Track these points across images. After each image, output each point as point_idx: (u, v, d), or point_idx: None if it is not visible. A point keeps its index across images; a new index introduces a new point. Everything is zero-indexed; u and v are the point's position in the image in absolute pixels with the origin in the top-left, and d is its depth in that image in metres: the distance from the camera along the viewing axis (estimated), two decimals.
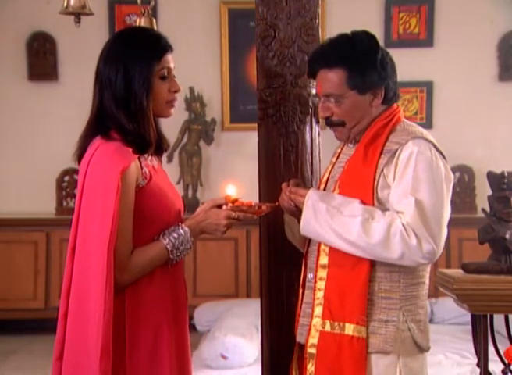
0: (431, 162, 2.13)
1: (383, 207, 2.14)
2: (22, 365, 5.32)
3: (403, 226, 2.06)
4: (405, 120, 2.26)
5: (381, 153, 2.16)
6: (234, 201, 2.22)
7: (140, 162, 2.14)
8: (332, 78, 2.20)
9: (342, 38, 2.23)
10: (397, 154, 2.14)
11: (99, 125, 2.16)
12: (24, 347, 5.79)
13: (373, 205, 2.13)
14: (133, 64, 2.14)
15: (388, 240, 2.07)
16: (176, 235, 2.16)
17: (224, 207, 2.23)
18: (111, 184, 2.03)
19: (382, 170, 2.14)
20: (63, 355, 2.10)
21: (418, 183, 2.10)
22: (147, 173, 2.15)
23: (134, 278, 2.12)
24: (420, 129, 2.22)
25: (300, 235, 2.33)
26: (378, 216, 2.09)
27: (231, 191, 2.25)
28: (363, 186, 2.15)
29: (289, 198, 2.24)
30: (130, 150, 2.11)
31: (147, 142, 2.16)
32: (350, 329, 2.13)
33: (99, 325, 2.00)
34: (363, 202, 2.13)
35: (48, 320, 6.10)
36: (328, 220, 2.12)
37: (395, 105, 2.27)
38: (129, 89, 2.13)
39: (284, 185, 2.29)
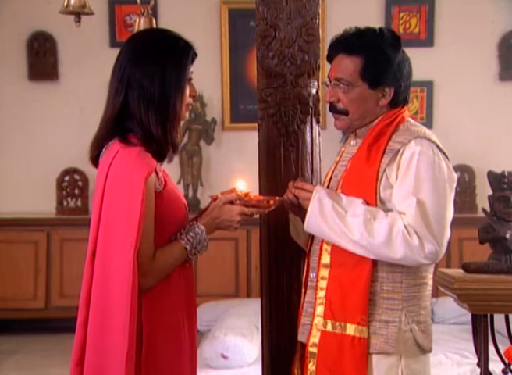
0: (433, 162, 2.12)
1: (386, 207, 2.14)
2: (22, 365, 5.32)
3: (405, 226, 2.06)
4: (410, 120, 2.25)
5: (383, 153, 2.16)
6: (245, 195, 2.22)
7: (155, 168, 2.13)
8: (348, 64, 2.21)
9: (368, 30, 2.25)
10: (399, 153, 2.14)
11: (118, 125, 2.13)
12: (24, 347, 5.79)
13: (376, 205, 2.13)
14: (171, 67, 2.13)
15: (390, 240, 2.07)
16: (192, 234, 2.15)
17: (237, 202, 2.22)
18: (136, 190, 2.02)
19: (385, 170, 2.14)
20: (83, 360, 2.08)
21: (420, 184, 2.10)
22: (162, 177, 2.16)
23: (156, 281, 2.11)
24: (423, 129, 2.21)
25: (304, 234, 2.33)
26: (380, 216, 2.09)
27: (241, 185, 2.25)
28: (366, 186, 2.15)
29: (295, 193, 2.23)
30: (150, 155, 2.10)
31: (169, 147, 2.16)
32: (351, 329, 2.13)
33: (125, 329, 1.99)
34: (366, 202, 2.13)
35: (49, 320, 6.14)
36: (334, 216, 2.12)
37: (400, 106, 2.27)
38: (165, 92, 2.12)
39: (290, 183, 2.28)
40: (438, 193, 2.11)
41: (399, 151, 2.15)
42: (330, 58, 2.29)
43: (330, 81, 2.26)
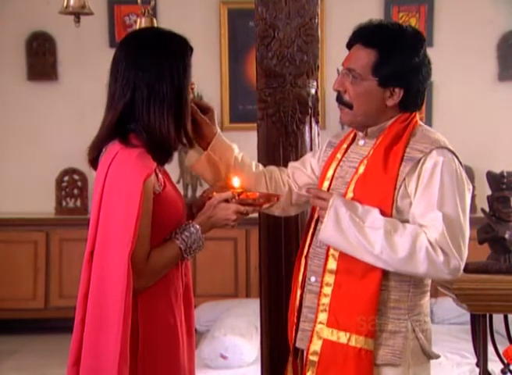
0: (456, 175, 2.07)
1: (402, 217, 2.07)
2: (22, 365, 5.32)
3: (430, 242, 2.00)
4: (422, 124, 2.19)
5: (401, 160, 2.08)
6: (240, 193, 2.20)
7: (155, 169, 2.13)
8: (362, 56, 2.12)
9: (393, 24, 2.18)
10: (420, 163, 2.07)
11: (120, 127, 2.12)
12: (24, 347, 5.79)
13: (391, 214, 2.05)
14: (176, 64, 2.14)
15: (413, 255, 2.00)
16: (187, 234, 2.14)
17: (233, 201, 2.20)
18: (134, 191, 2.02)
19: (404, 179, 2.06)
20: (79, 360, 2.08)
21: (445, 197, 2.03)
22: (162, 179, 2.15)
23: (150, 283, 2.10)
24: (441, 136, 2.15)
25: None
26: (400, 229, 2.02)
27: (236, 183, 2.23)
28: (382, 193, 2.07)
29: (310, 201, 2.19)
30: (150, 157, 2.10)
31: (175, 148, 2.16)
32: (358, 341, 2.06)
33: (118, 330, 1.99)
34: (381, 210, 2.05)
35: (48, 320, 6.13)
36: (352, 228, 2.03)
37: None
38: (177, 89, 2.13)
39: (307, 188, 2.23)
40: (462, 207, 2.05)
41: (420, 160, 2.07)
42: (349, 46, 2.19)
43: (343, 69, 2.17)
